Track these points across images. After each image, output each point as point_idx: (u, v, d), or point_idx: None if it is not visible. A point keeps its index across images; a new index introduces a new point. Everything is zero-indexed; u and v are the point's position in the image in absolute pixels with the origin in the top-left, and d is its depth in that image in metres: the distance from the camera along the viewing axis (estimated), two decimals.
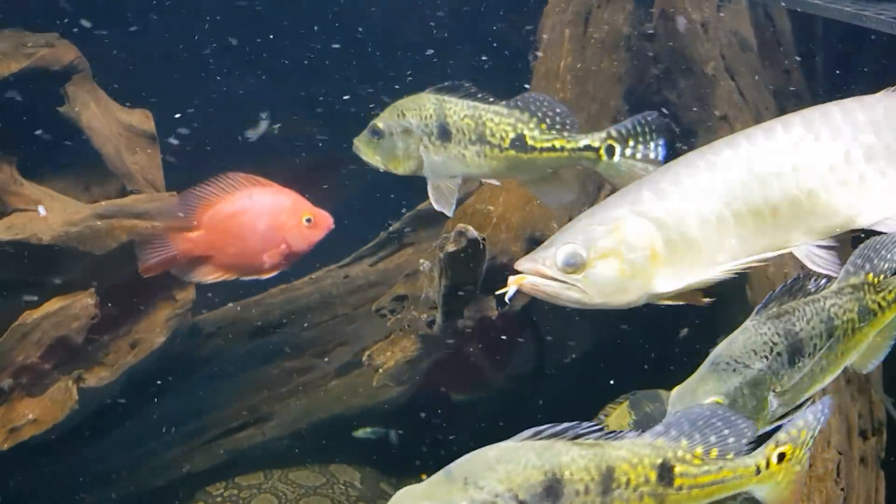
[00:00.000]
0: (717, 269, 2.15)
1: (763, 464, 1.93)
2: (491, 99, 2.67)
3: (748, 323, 2.04)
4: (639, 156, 2.60)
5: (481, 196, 3.45)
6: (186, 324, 3.65)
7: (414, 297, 3.19)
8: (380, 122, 2.71)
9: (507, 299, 2.14)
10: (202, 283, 3.06)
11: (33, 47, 3.42)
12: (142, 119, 3.64)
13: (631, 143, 2.61)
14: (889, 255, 2.14)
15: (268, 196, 2.97)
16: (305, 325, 3.80)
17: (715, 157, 2.19)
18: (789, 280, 2.11)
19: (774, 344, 1.99)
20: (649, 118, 2.61)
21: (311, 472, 3.93)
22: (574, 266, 2.10)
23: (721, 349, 2.01)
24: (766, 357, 1.97)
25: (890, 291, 2.15)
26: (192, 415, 3.79)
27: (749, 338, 2.00)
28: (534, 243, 3.30)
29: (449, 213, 2.70)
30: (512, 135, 2.64)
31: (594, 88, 3.57)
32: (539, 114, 2.66)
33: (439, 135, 2.65)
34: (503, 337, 3.92)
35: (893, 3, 3.20)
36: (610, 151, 2.62)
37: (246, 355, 3.81)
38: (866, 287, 2.13)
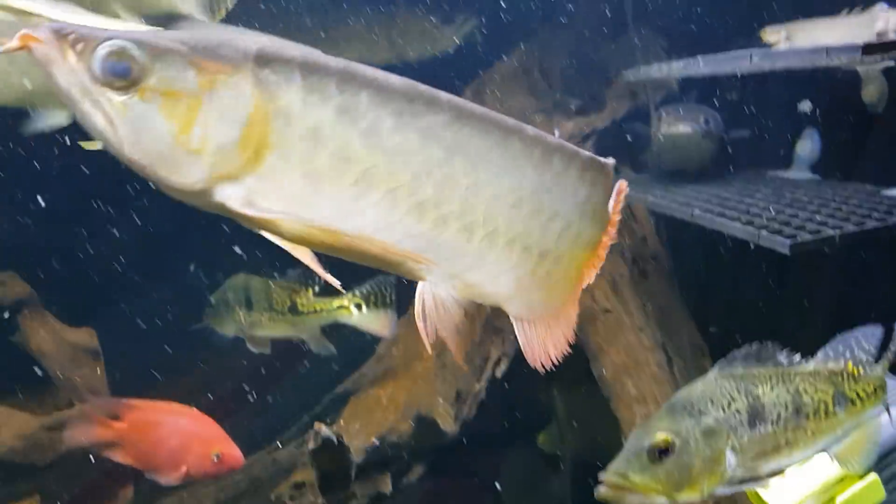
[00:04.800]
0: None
1: None
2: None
3: (710, 374, 2.02)
4: (379, 304, 3.47)
5: (374, 382, 3.84)
6: None
7: (310, 483, 3.51)
8: None
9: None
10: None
11: None
12: (86, 337, 4.16)
13: (372, 298, 3.47)
14: (869, 347, 2.14)
15: (189, 422, 3.34)
16: None
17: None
18: (754, 344, 2.04)
19: (733, 399, 1.96)
20: (382, 281, 3.47)
21: None
22: (122, 77, 1.19)
23: (680, 394, 1.99)
24: (724, 409, 1.94)
25: (868, 383, 2.13)
26: None
27: (708, 388, 1.98)
28: (420, 420, 3.66)
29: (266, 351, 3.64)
30: (289, 303, 3.52)
31: None
32: (309, 282, 3.55)
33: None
34: None
35: None
36: (358, 307, 3.49)
37: None
38: (845, 374, 2.10)
